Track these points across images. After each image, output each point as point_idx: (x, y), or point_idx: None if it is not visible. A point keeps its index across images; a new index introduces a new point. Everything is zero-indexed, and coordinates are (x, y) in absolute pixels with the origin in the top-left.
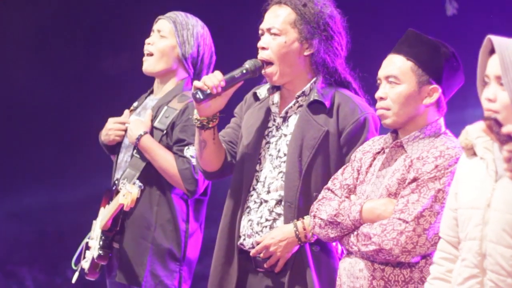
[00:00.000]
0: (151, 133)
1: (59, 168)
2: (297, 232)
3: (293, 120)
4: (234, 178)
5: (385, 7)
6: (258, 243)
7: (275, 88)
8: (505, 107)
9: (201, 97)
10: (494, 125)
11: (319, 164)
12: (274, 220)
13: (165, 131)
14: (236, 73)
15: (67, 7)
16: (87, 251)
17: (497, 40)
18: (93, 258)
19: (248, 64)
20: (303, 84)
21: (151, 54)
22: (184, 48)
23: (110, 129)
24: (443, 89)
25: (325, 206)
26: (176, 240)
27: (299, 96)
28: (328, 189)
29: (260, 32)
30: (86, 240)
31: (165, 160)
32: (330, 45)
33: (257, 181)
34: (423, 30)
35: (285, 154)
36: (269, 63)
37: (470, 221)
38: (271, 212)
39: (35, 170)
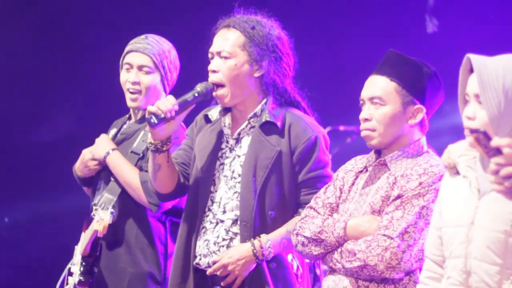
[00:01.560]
0: (128, 157)
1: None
2: (254, 251)
3: (246, 141)
4: (188, 200)
5: (365, 24)
6: (215, 262)
7: (226, 110)
8: (484, 125)
9: (156, 121)
10: (483, 138)
11: (273, 183)
12: (231, 239)
13: (141, 154)
14: (188, 96)
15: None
16: (69, 277)
17: (475, 59)
18: (75, 284)
19: (199, 87)
20: (254, 105)
21: (138, 92)
22: (167, 78)
23: (88, 161)
24: (426, 109)
25: (308, 224)
26: (156, 262)
27: (251, 118)
28: (311, 207)
29: (210, 55)
30: (69, 265)
31: (129, 174)
32: (279, 66)
33: (213, 202)
34: (401, 48)
35: (239, 175)
36: (220, 85)
37: (455, 239)
38: (227, 231)
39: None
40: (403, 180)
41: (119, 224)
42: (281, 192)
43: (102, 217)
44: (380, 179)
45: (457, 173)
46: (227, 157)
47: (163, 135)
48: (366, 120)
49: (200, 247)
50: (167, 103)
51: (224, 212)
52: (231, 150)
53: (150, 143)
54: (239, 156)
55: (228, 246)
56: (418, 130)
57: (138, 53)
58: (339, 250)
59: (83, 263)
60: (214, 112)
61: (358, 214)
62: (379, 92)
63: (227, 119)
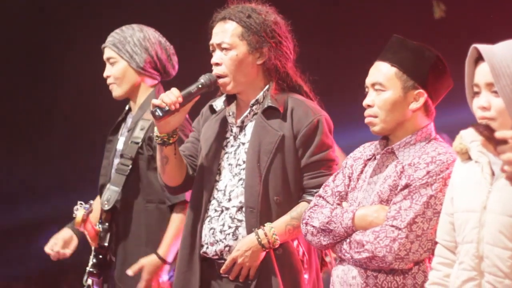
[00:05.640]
0: (129, 147)
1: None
2: (259, 240)
3: (249, 128)
4: (194, 189)
5: (374, 12)
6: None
7: (231, 99)
8: (500, 113)
9: (160, 114)
10: (484, 131)
11: (277, 168)
12: (237, 227)
13: (140, 143)
14: (192, 88)
15: None
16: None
17: (484, 48)
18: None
19: (203, 79)
20: (256, 92)
21: (113, 84)
22: (135, 61)
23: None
24: (429, 93)
25: (317, 213)
26: None
27: (253, 105)
28: (320, 196)
29: (211, 48)
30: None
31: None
32: (279, 51)
33: (217, 191)
34: (412, 34)
35: (244, 162)
36: (223, 77)
37: (467, 224)
38: (233, 219)
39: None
40: (411, 169)
41: (126, 215)
42: (285, 177)
43: (76, 214)
44: (388, 167)
45: (469, 158)
46: (232, 146)
47: (169, 128)
48: (369, 106)
49: (206, 235)
50: (171, 96)
51: (229, 199)
52: (235, 138)
53: (157, 136)
54: (243, 144)
55: (234, 234)
56: (423, 115)
57: (105, 49)
58: (347, 240)
59: (95, 255)
60: (218, 102)
61: (367, 203)
62: (380, 78)
63: (232, 108)
